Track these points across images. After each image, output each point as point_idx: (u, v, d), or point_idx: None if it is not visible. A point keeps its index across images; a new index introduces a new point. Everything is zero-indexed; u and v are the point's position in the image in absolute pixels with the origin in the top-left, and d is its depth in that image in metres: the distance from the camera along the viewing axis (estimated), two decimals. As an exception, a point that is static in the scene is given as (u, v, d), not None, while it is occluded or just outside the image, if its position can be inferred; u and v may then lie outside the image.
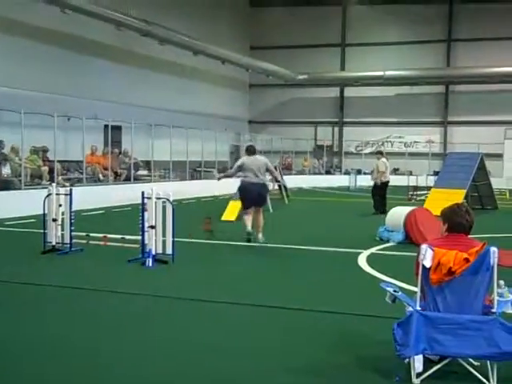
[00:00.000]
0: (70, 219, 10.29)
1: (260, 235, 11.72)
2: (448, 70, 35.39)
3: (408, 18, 35.36)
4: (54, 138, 17.97)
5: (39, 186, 17.09)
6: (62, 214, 10.40)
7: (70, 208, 10.29)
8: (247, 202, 12.04)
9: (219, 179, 13.53)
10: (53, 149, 18.30)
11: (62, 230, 10.39)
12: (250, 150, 12.28)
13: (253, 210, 11.96)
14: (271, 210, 17.62)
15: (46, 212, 10.40)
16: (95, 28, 23.30)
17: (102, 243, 10.76)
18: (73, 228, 10.34)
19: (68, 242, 10.30)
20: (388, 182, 17.93)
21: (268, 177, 13.18)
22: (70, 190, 10.59)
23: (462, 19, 35.12)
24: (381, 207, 17.25)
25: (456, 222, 4.85)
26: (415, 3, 35.14)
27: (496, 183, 22.87)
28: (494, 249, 4.58)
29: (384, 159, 17.97)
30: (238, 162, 12.35)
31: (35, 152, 18.57)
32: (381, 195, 17.82)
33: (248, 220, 11.94)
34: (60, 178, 18.32)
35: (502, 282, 4.75)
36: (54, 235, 10.33)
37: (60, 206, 10.38)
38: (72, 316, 6.57)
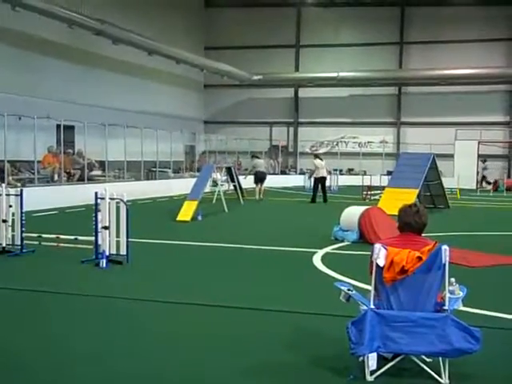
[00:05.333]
0: (21, 220, 10.08)
1: (261, 196, 23.14)
2: (400, 72, 35.97)
3: (361, 21, 35.87)
4: (3, 137, 17.58)
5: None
6: (13, 214, 10.20)
7: (21, 209, 10.09)
8: (257, 180, 23.55)
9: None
10: (2, 149, 17.87)
11: (13, 231, 10.19)
12: (258, 157, 25.13)
13: (259, 185, 23.36)
14: (226, 211, 17.60)
15: (-4, 213, 10.18)
16: (47, 26, 22.92)
17: (54, 244, 10.57)
18: (24, 229, 10.13)
19: (19, 243, 10.10)
20: (321, 177, 22.03)
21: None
22: (21, 190, 10.37)
23: (413, 22, 35.75)
24: (314, 198, 21.80)
25: (404, 222, 4.92)
26: (368, 6, 35.63)
27: (447, 183, 23.33)
28: (445, 247, 4.65)
29: (318, 160, 22.53)
30: (253, 163, 24.56)
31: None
32: (315, 188, 22.03)
33: (256, 191, 23.17)
34: (11, 178, 17.94)
35: (452, 280, 4.81)
36: (4, 237, 10.13)
37: (10, 206, 10.18)
38: (24, 319, 6.43)
